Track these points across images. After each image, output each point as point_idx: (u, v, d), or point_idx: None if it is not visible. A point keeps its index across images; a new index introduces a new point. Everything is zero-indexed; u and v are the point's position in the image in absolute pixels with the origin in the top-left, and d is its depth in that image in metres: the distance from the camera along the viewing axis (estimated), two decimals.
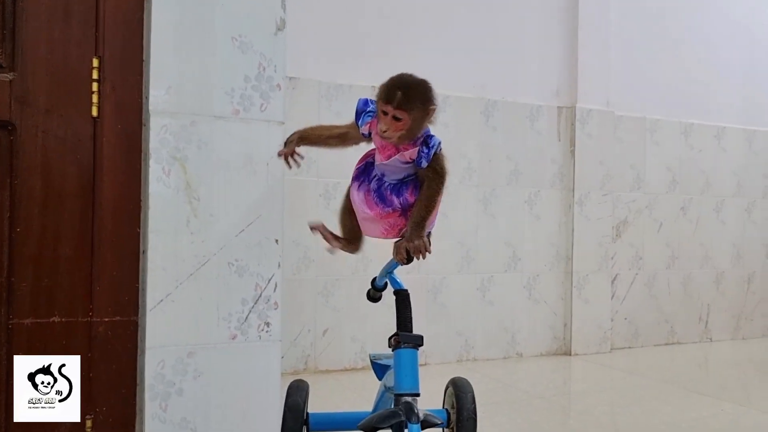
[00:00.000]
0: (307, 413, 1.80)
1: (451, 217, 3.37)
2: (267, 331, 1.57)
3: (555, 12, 3.74)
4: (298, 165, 1.66)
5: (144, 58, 1.55)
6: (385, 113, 1.41)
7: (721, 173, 4.26)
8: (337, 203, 1.72)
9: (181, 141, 1.50)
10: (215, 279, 1.52)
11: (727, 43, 4.29)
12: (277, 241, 1.58)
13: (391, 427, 1.47)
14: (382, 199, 1.53)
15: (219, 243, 1.53)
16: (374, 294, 1.77)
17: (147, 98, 1.51)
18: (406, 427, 1.42)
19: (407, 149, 1.45)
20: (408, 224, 1.50)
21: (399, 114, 1.40)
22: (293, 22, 2.48)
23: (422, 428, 1.45)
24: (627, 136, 3.95)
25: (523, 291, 3.64)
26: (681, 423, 2.54)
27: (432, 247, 1.52)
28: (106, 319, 1.53)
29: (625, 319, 3.95)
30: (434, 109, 1.44)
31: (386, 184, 1.53)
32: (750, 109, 4.36)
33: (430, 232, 1.59)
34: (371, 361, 1.92)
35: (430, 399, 1.68)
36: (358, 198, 1.58)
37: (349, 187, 1.62)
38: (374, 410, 1.85)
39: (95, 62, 1.53)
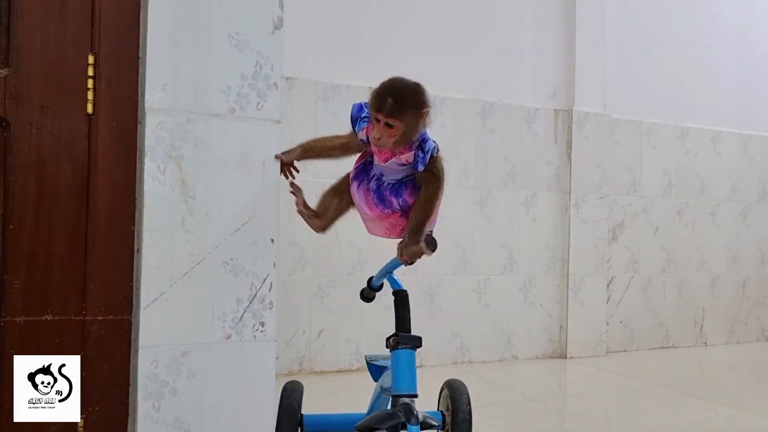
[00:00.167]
0: (302, 414, 1.79)
1: (447, 219, 3.37)
2: (262, 331, 1.56)
3: (552, 15, 3.75)
4: (293, 177, 1.67)
5: (140, 55, 1.54)
6: (378, 120, 1.41)
7: (717, 177, 4.27)
8: None
9: (176, 139, 1.49)
10: (210, 278, 1.51)
11: (722, 48, 4.30)
12: (272, 240, 1.57)
13: (389, 428, 1.46)
14: (382, 200, 1.53)
15: (214, 242, 1.52)
16: (368, 293, 1.76)
17: (143, 96, 1.50)
18: (405, 429, 1.41)
19: (403, 153, 1.45)
20: (406, 228, 1.50)
21: (391, 121, 1.39)
22: (290, 21, 2.48)
23: (421, 429, 1.44)
24: (623, 139, 3.95)
25: (518, 293, 3.64)
26: (676, 426, 2.54)
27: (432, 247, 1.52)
28: (100, 318, 1.52)
29: (621, 322, 3.95)
30: (428, 112, 1.43)
31: (385, 184, 1.53)
32: (745, 114, 4.38)
33: (431, 232, 1.59)
34: (367, 362, 1.91)
35: (425, 401, 1.67)
36: (358, 198, 1.58)
37: (349, 174, 1.62)
38: (369, 411, 1.84)
39: (91, 59, 1.52)
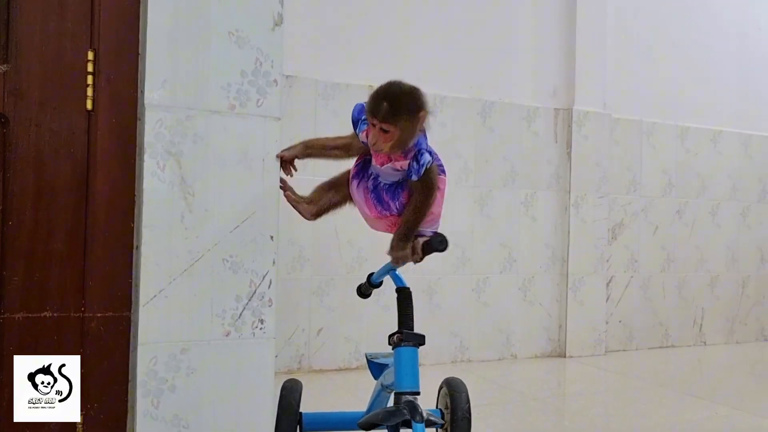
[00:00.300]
0: (301, 413, 1.79)
1: (446, 218, 3.33)
2: (261, 328, 1.55)
3: (552, 14, 3.74)
4: (291, 175, 1.66)
5: (140, 51, 1.53)
6: (374, 125, 1.40)
7: (717, 177, 4.27)
8: None
9: (176, 135, 1.49)
10: (209, 275, 1.51)
11: (723, 48, 4.30)
12: (272, 237, 1.57)
13: (390, 426, 1.46)
14: (380, 201, 1.54)
15: (213, 239, 1.51)
16: (366, 289, 1.75)
17: (142, 92, 1.50)
18: (406, 426, 1.41)
19: (399, 160, 1.45)
20: (395, 233, 1.50)
21: (386, 126, 1.39)
22: (290, 20, 2.47)
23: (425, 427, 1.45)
24: (623, 138, 3.95)
25: (518, 292, 3.64)
26: (675, 426, 2.54)
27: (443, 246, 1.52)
28: (99, 315, 1.52)
29: (620, 321, 3.95)
30: (425, 115, 1.43)
31: (382, 184, 1.54)
32: (746, 114, 4.38)
33: (437, 233, 1.60)
34: (367, 360, 1.91)
35: (423, 399, 1.66)
36: (358, 196, 1.59)
37: (349, 171, 1.62)
38: (369, 410, 1.84)
39: (90, 55, 1.51)
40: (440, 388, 1.85)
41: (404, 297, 1.57)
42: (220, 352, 1.52)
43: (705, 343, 4.24)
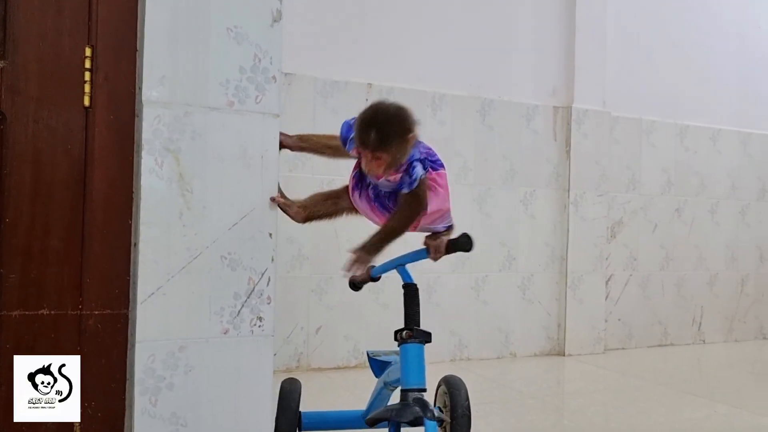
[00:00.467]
0: (300, 412, 1.78)
1: None
2: (260, 326, 1.55)
3: (552, 12, 3.74)
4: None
5: (138, 47, 1.53)
6: (365, 153, 1.41)
7: (716, 175, 4.27)
8: None
9: (174, 132, 1.48)
10: (207, 272, 1.50)
11: (722, 46, 4.30)
12: (270, 235, 1.56)
13: (392, 423, 1.45)
14: (385, 208, 1.56)
15: (212, 236, 1.51)
16: (360, 282, 1.72)
17: (140, 88, 1.49)
18: (414, 424, 1.41)
19: (392, 174, 1.46)
20: (372, 236, 1.50)
21: (377, 154, 1.39)
22: (289, 17, 2.46)
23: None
24: (623, 137, 3.94)
25: (517, 291, 3.63)
26: (674, 424, 2.54)
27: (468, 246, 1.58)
28: (96, 312, 1.51)
29: (619, 320, 3.95)
30: (414, 137, 1.42)
31: (383, 192, 1.55)
32: (745, 112, 4.38)
33: (451, 226, 1.60)
34: (369, 357, 1.90)
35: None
36: (363, 206, 1.60)
37: (346, 186, 1.62)
38: (369, 407, 1.84)
39: (88, 51, 1.50)
40: (438, 386, 1.84)
41: (411, 293, 1.57)
42: (218, 350, 1.51)
43: (704, 341, 4.24)
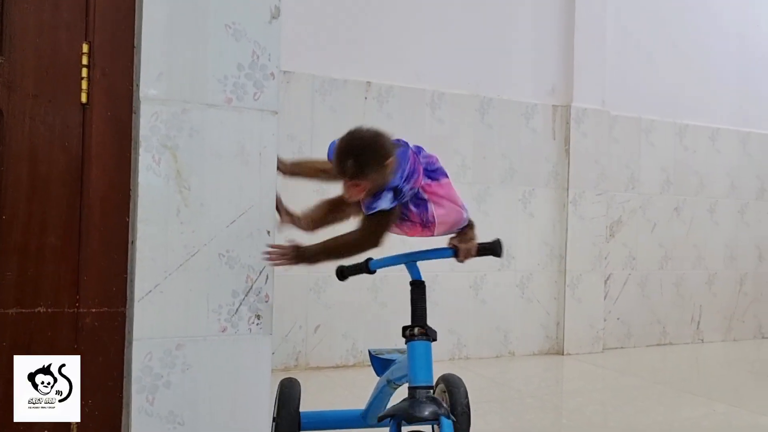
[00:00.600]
0: (299, 412, 1.78)
1: None
2: (258, 324, 1.54)
3: (551, 10, 3.73)
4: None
5: (135, 44, 1.51)
6: (344, 181, 1.41)
7: (715, 174, 4.27)
8: None
9: (172, 129, 1.47)
10: (205, 270, 1.49)
11: (722, 46, 4.30)
12: (269, 232, 1.55)
13: (395, 420, 1.44)
14: (401, 217, 1.53)
15: (210, 233, 1.50)
16: (348, 273, 1.67)
17: (137, 85, 1.48)
18: (436, 420, 1.41)
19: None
20: (317, 244, 1.49)
21: (356, 182, 1.39)
22: (288, 15, 2.46)
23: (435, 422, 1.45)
24: (622, 136, 3.94)
25: (516, 290, 3.63)
26: (673, 423, 2.53)
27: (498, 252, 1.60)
28: (93, 310, 1.50)
29: (618, 319, 3.94)
30: (392, 162, 1.41)
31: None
32: (744, 111, 4.37)
33: (471, 223, 1.60)
34: (371, 355, 1.89)
35: None
36: None
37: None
38: (370, 406, 1.83)
39: (85, 48, 1.49)
40: (436, 384, 1.83)
41: (418, 290, 1.56)
42: (216, 348, 1.50)
43: (702, 340, 4.24)
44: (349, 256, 1.52)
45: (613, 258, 3.91)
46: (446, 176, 1.55)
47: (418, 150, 1.54)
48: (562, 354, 3.68)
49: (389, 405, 1.80)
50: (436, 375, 1.85)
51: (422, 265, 1.59)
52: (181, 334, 1.47)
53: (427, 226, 1.54)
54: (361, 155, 1.39)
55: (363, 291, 3.19)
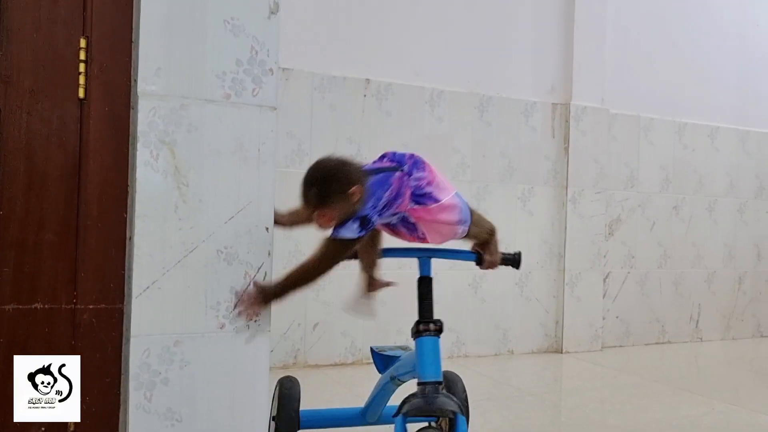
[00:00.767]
0: (299, 413, 1.78)
1: None
2: (256, 321, 1.53)
3: (551, 8, 3.73)
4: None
5: (133, 39, 1.51)
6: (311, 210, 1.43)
7: (714, 173, 4.26)
8: None
9: (170, 125, 1.46)
10: (203, 266, 1.48)
11: (721, 44, 4.29)
12: (267, 229, 1.54)
13: (425, 412, 1.45)
14: (407, 231, 1.57)
15: (208, 230, 1.49)
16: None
17: (135, 80, 1.47)
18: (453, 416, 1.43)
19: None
20: (279, 280, 1.49)
21: (322, 211, 1.41)
22: (287, 12, 2.45)
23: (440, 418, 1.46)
24: (621, 134, 3.94)
25: (515, 288, 3.63)
26: (671, 421, 2.53)
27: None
28: (91, 307, 1.49)
29: (617, 317, 3.94)
30: (357, 190, 1.41)
31: (390, 223, 1.57)
32: (743, 110, 4.37)
33: (494, 230, 1.64)
34: (373, 352, 1.89)
35: None
36: (387, 234, 1.65)
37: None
38: (371, 403, 1.83)
39: (83, 43, 1.48)
40: None
41: (425, 286, 1.57)
42: (214, 345, 1.50)
43: (701, 339, 4.24)
44: (312, 282, 1.52)
45: (612, 256, 3.91)
46: (436, 201, 1.52)
47: (414, 169, 1.52)
48: (561, 352, 3.68)
49: (389, 402, 1.80)
50: None
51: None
52: (179, 330, 1.47)
53: (423, 239, 1.58)
54: (323, 184, 1.41)
55: None
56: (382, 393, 1.78)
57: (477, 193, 3.51)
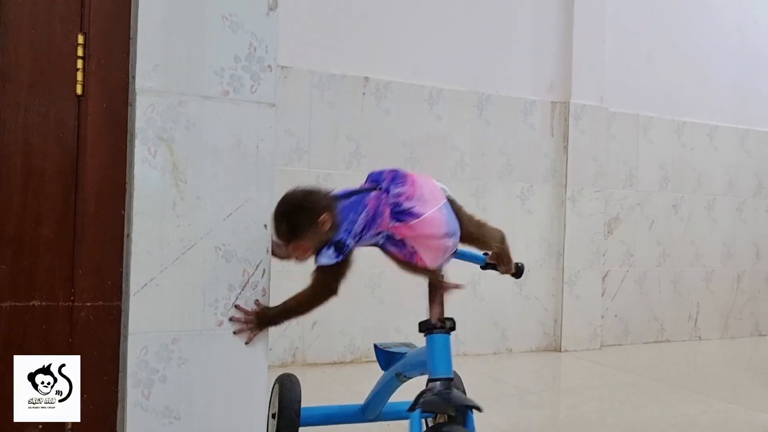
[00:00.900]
0: (299, 413, 1.77)
1: None
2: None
3: (551, 7, 3.72)
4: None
5: (131, 35, 1.50)
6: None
7: (713, 172, 4.26)
8: None
9: (168, 121, 1.46)
10: (201, 264, 1.48)
11: (720, 43, 4.29)
12: (266, 226, 1.54)
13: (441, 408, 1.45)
14: (397, 249, 1.56)
15: (206, 227, 1.48)
16: None
17: (133, 77, 1.46)
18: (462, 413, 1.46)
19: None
20: (277, 307, 1.50)
21: (295, 244, 1.42)
22: (286, 10, 2.44)
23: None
24: (620, 132, 3.94)
25: (513, 286, 3.62)
26: (670, 420, 2.53)
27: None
28: (88, 304, 1.48)
29: (616, 316, 3.94)
30: (326, 218, 1.42)
31: (379, 242, 1.57)
32: (742, 109, 4.37)
33: (503, 236, 1.66)
34: (377, 349, 1.90)
35: (415, 392, 1.64)
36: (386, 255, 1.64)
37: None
38: (372, 400, 1.83)
39: (80, 39, 1.48)
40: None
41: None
42: (212, 343, 1.49)
43: (700, 337, 4.24)
44: (308, 311, 1.54)
45: (611, 255, 3.91)
46: (417, 216, 1.50)
47: (392, 185, 1.51)
48: (560, 351, 3.68)
49: (391, 399, 1.80)
50: None
51: None
52: (177, 328, 1.46)
53: (412, 257, 1.57)
54: (291, 217, 1.42)
55: (360, 287, 3.18)
56: (384, 390, 1.78)
57: (476, 191, 3.50)
